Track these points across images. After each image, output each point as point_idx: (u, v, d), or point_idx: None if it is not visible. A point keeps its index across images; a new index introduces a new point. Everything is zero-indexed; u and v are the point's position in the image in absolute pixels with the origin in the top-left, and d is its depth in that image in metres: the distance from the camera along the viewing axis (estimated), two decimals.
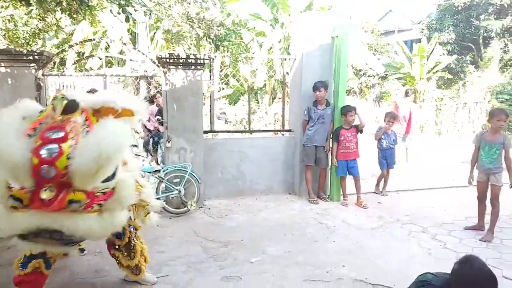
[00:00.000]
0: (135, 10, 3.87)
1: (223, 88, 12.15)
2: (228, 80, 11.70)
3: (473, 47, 17.07)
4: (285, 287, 3.31)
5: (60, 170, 2.28)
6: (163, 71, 5.11)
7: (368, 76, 18.86)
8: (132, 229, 3.19)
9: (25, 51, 4.59)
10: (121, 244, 3.13)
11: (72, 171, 2.30)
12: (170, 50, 5.79)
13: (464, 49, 17.25)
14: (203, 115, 5.32)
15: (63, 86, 4.92)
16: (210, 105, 5.68)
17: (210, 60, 5.35)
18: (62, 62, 6.73)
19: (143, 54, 5.05)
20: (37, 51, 4.69)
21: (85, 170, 2.31)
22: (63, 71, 5.06)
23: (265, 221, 4.93)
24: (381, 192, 6.15)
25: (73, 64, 5.32)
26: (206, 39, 4.40)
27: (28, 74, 4.74)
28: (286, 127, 6.23)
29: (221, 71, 10.90)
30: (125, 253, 3.17)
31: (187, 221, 4.92)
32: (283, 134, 6.25)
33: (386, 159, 6.13)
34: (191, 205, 5.04)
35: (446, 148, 9.97)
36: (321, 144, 5.61)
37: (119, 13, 3.93)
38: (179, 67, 5.10)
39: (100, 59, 11.01)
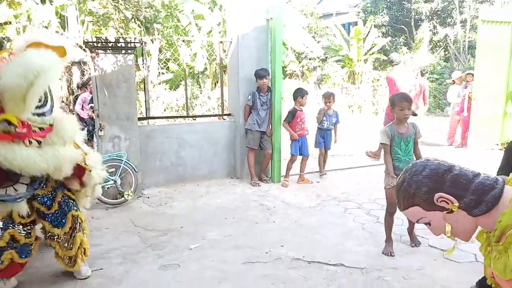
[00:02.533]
0: None
1: (163, 73, 11.81)
2: (167, 65, 11.41)
3: (406, 29, 17.88)
4: (224, 271, 3.30)
5: None
6: (91, 56, 4.83)
7: (309, 59, 19.19)
8: (76, 219, 3.07)
9: None
10: (61, 233, 3.00)
11: (1, 92, 2.28)
12: (99, 34, 5.47)
13: (398, 31, 18.03)
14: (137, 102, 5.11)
15: None
16: (145, 91, 5.48)
17: (141, 43, 5.13)
18: None
19: (67, 38, 4.72)
20: None
21: (14, 88, 2.28)
22: None
23: (206, 206, 4.89)
24: (322, 172, 6.22)
25: None
26: (135, 21, 4.19)
27: None
28: (226, 112, 6.18)
29: (160, 55, 10.59)
30: (64, 244, 3.04)
31: (124, 211, 4.75)
32: (224, 119, 6.18)
33: (324, 139, 6.19)
34: (128, 195, 4.88)
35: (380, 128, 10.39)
36: (265, 129, 5.66)
37: None
38: (108, 51, 4.83)
39: None
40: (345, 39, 17.50)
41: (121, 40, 4.79)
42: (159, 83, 11.57)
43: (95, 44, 4.76)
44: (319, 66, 19.24)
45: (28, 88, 2.32)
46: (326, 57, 18.53)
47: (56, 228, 2.99)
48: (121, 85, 4.97)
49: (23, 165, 2.44)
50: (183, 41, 10.79)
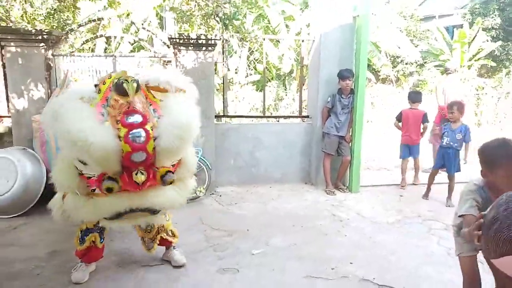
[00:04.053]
0: None
1: (250, 74, 11.91)
2: (255, 66, 11.47)
3: None
4: (282, 283, 3.08)
5: (150, 153, 2.39)
6: (174, 53, 4.94)
7: (405, 64, 17.97)
8: None
9: (33, 31, 4.52)
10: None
11: (159, 152, 2.43)
12: (185, 31, 5.58)
13: (510, 35, 16.05)
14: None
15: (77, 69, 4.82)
16: (223, 89, 5.46)
17: (222, 41, 5.11)
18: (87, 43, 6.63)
19: (154, 34, 4.87)
20: (46, 31, 4.61)
21: (171, 149, 2.45)
22: (73, 51, 4.94)
23: (275, 210, 4.70)
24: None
25: (82, 44, 5.18)
26: (214, 18, 4.15)
27: (38, 54, 4.68)
28: (304, 113, 5.92)
29: (249, 56, 10.68)
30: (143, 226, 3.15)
31: (195, 207, 4.75)
32: (303, 121, 5.92)
33: (444, 160, 5.04)
34: (200, 191, 4.88)
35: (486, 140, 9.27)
36: (344, 134, 5.30)
37: None
38: (190, 48, 4.89)
39: (132, 44, 11.13)
40: (447, 43, 16.07)
41: (202, 37, 4.81)
42: (246, 84, 11.67)
43: (177, 40, 4.84)
44: (416, 72, 17.93)
45: (182, 146, 2.53)
46: (425, 62, 17.19)
47: None
48: (200, 82, 4.97)
49: (168, 205, 2.73)
50: (270, 41, 10.78)
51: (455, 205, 4.76)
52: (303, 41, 5.75)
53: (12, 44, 4.60)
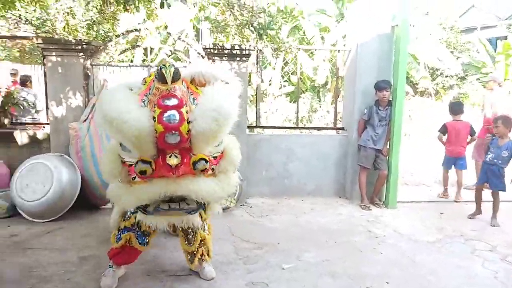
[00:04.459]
0: None
1: (284, 85, 11.87)
2: (289, 78, 11.41)
3: None
4: None
5: (184, 135, 2.38)
6: (207, 63, 4.95)
7: (445, 77, 17.39)
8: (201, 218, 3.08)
9: (73, 41, 4.66)
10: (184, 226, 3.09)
11: (194, 135, 2.41)
12: (220, 42, 5.62)
13: None
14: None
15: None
16: (256, 100, 5.42)
17: (256, 51, 5.08)
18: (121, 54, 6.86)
19: (189, 44, 4.91)
20: (85, 41, 4.74)
21: (207, 132, 2.42)
22: (110, 61, 5.06)
23: (308, 224, 4.55)
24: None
25: (119, 54, 5.31)
26: (248, 27, 4.12)
27: (77, 64, 4.81)
28: (339, 125, 5.77)
29: (284, 67, 10.64)
30: (185, 237, 3.14)
31: (225, 218, 4.68)
32: (338, 133, 5.76)
33: (487, 177, 4.72)
34: (231, 202, 4.81)
35: None
36: (381, 147, 5.12)
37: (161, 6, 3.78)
38: (224, 58, 4.89)
39: (169, 55, 11.37)
40: (490, 55, 15.43)
41: (236, 47, 4.80)
42: (280, 95, 11.62)
43: (212, 50, 4.85)
44: (456, 85, 17.29)
45: (219, 131, 2.47)
46: (466, 75, 16.57)
47: None
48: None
49: (206, 195, 2.62)
50: (305, 52, 10.71)
51: (501, 225, 4.48)
52: (339, 51, 5.64)
53: (53, 53, 4.75)
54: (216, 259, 3.56)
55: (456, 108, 5.59)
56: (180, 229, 3.11)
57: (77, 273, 3.24)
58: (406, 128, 10.26)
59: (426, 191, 6.05)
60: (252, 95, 8.85)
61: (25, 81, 7.15)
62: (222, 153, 2.74)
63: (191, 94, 2.57)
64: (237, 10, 4.19)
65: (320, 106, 11.73)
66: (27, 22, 9.14)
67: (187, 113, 2.42)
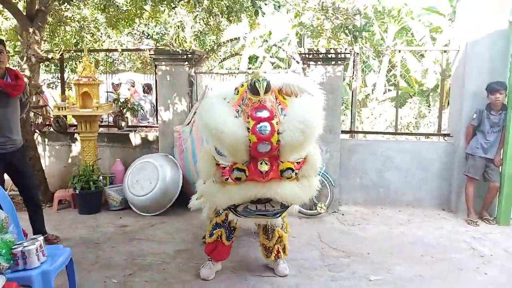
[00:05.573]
0: (265, 4, 3.81)
1: (389, 90, 11.31)
2: (394, 82, 10.84)
3: None
4: None
5: (274, 145, 2.57)
6: (302, 68, 4.98)
7: None
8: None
9: (179, 51, 5.07)
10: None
11: (283, 145, 2.59)
12: (316, 46, 5.59)
13: None
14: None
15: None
16: (352, 103, 5.27)
17: (353, 54, 4.95)
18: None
19: (284, 50, 4.99)
20: (190, 51, 5.13)
21: (294, 143, 2.57)
22: (211, 69, 5.39)
23: (402, 236, 4.28)
24: None
25: (219, 62, 5.63)
26: (343, 30, 4.04)
27: (183, 72, 5.23)
28: (444, 131, 5.32)
29: (390, 70, 10.17)
30: (264, 232, 3.34)
31: (315, 224, 4.65)
32: (445, 140, 5.30)
33: None
34: (321, 207, 4.75)
35: None
36: (493, 156, 4.60)
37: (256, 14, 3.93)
38: (319, 62, 4.87)
39: (272, 63, 11.69)
40: None
41: (331, 51, 4.74)
42: (384, 100, 11.10)
43: (307, 55, 4.87)
44: None
45: (305, 141, 2.61)
46: None
47: None
48: (327, 97, 4.85)
49: (290, 198, 2.80)
50: (413, 55, 10.07)
51: None
52: (445, 51, 5.20)
53: (163, 63, 5.24)
54: (301, 263, 3.57)
55: None
56: (260, 224, 3.32)
57: (172, 264, 3.53)
58: None
59: None
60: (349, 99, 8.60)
61: (148, 89, 8.01)
62: (304, 158, 2.83)
63: (279, 105, 2.73)
64: (332, 14, 4.13)
65: (429, 112, 10.91)
66: (149, 37, 10.26)
67: (277, 124, 2.58)
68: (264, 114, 2.60)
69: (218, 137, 2.61)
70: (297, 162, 2.79)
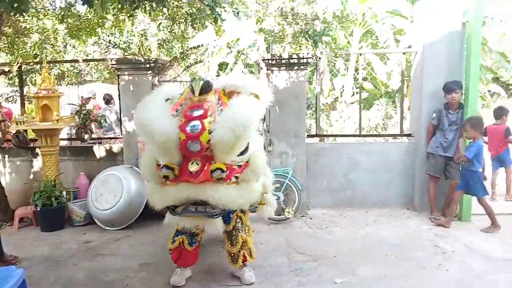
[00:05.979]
0: (225, 11, 3.81)
1: (357, 92, 11.50)
2: (361, 84, 11.01)
3: None
4: None
5: (204, 144, 2.56)
6: (266, 73, 5.00)
7: None
8: (238, 219, 3.29)
9: (142, 60, 5.01)
10: (227, 229, 3.25)
11: (213, 144, 2.58)
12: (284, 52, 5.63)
13: None
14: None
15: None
16: (316, 108, 5.32)
17: (315, 59, 5.01)
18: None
19: (247, 57, 5.01)
20: (152, 59, 5.07)
21: (225, 141, 2.56)
22: (175, 77, 5.35)
23: (368, 237, 4.34)
24: None
25: (183, 70, 5.58)
26: (304, 35, 4.09)
27: (146, 81, 5.15)
28: (406, 132, 5.44)
29: (355, 75, 10.33)
30: (228, 239, 3.30)
31: (283, 229, 4.66)
32: (409, 140, 5.40)
33: None
34: (289, 212, 4.76)
35: None
36: (452, 154, 4.73)
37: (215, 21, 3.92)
38: (282, 68, 4.90)
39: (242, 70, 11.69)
40: None
41: (294, 56, 4.78)
42: (352, 103, 11.27)
43: (270, 61, 4.89)
44: None
45: (236, 141, 2.59)
46: None
47: (224, 224, 3.18)
48: (291, 102, 4.95)
49: (226, 204, 2.75)
50: (378, 57, 10.28)
51: None
52: (403, 53, 5.34)
53: (125, 73, 5.15)
54: (268, 270, 3.56)
55: (495, 113, 5.64)
56: (225, 232, 3.27)
57: (135, 279, 3.44)
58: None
59: (507, 204, 5.43)
60: (323, 104, 8.70)
61: (109, 100, 7.83)
62: (247, 162, 2.81)
63: (221, 105, 2.72)
64: (292, 19, 4.17)
65: (396, 113, 11.15)
66: (115, 46, 10.09)
67: (209, 123, 2.58)
68: (198, 112, 2.63)
69: (149, 134, 2.63)
70: (238, 166, 2.76)
